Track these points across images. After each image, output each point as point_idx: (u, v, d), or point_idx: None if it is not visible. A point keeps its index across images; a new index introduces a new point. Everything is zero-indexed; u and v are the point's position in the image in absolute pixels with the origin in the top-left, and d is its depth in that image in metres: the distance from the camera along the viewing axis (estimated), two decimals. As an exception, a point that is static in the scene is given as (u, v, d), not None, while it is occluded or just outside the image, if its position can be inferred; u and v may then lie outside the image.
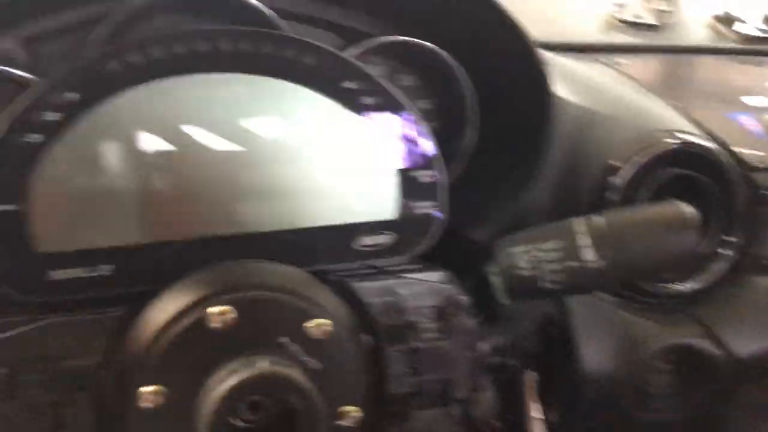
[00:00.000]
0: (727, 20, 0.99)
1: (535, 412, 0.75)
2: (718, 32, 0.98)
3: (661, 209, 0.59)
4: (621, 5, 0.98)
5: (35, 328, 0.51)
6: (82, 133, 0.54)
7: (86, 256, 0.55)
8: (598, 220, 0.58)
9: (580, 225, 0.58)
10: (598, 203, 0.71)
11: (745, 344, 0.72)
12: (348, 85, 0.61)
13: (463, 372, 0.59)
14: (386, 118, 0.62)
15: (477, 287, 0.71)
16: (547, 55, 0.87)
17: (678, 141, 0.73)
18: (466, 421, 0.63)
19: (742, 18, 0.99)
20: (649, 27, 0.96)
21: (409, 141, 0.63)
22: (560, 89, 0.78)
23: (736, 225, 0.73)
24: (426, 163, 0.63)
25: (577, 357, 0.72)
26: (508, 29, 0.69)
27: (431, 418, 0.59)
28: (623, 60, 0.89)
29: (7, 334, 0.50)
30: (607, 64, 0.88)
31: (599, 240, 0.57)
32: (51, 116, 0.54)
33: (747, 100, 0.85)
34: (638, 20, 0.96)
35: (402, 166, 0.63)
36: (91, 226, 0.55)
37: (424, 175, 0.63)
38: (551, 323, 0.74)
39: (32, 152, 0.53)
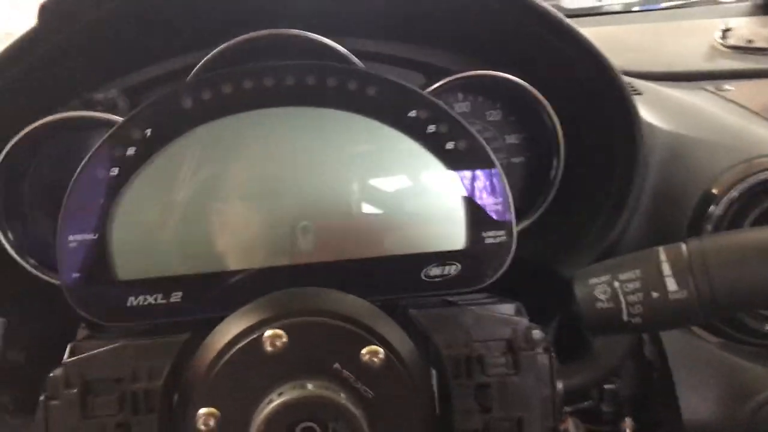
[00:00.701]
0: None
1: (634, 464, 0.69)
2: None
3: (753, 235, 0.53)
4: (728, 30, 0.93)
5: (106, 351, 0.53)
6: (156, 166, 0.58)
7: (159, 284, 0.57)
8: (681, 246, 0.53)
9: (661, 253, 0.54)
10: (694, 234, 0.66)
11: None
12: (414, 114, 0.61)
13: (537, 410, 0.56)
14: (455, 148, 0.61)
15: (563, 325, 0.68)
16: (646, 85, 0.84)
17: (787, 166, 0.66)
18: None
19: None
20: (759, 51, 0.90)
21: (478, 171, 0.61)
22: (656, 117, 0.75)
23: None
24: (495, 193, 0.61)
25: (676, 405, 0.66)
26: (594, 61, 0.67)
27: None
28: (729, 86, 0.83)
29: (82, 356, 0.53)
30: (712, 91, 0.83)
31: (680, 268, 0.52)
32: (127, 151, 0.57)
33: None
34: (746, 45, 0.90)
35: (471, 197, 0.61)
36: (164, 255, 0.58)
37: (494, 206, 0.61)
38: (650, 366, 0.68)
39: (110, 185, 0.57)
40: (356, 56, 0.73)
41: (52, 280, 0.69)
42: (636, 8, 1.24)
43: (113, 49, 0.68)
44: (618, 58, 0.86)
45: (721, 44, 0.93)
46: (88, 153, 0.68)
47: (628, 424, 0.70)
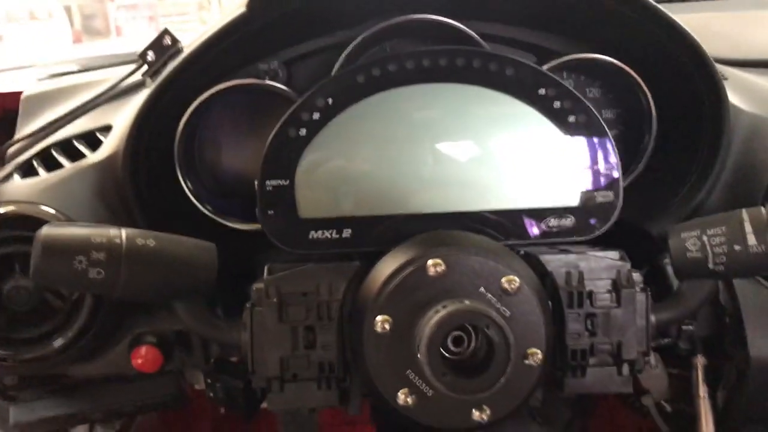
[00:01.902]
0: None
1: (703, 393, 0.82)
2: None
3: None
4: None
5: (297, 271, 0.68)
6: (335, 129, 0.72)
7: (334, 223, 0.72)
8: (762, 209, 0.66)
9: (744, 213, 0.66)
10: None
11: None
12: (543, 92, 0.73)
13: (633, 337, 0.69)
14: (574, 119, 0.73)
15: (653, 273, 0.80)
16: (731, 70, 0.94)
17: None
18: (635, 383, 0.72)
19: None
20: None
21: (593, 139, 0.73)
22: (740, 100, 0.85)
23: None
24: (606, 158, 0.73)
25: (746, 343, 0.78)
26: (688, 48, 0.78)
27: (604, 375, 0.70)
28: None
29: (278, 275, 0.68)
30: (788, 79, 0.93)
31: (760, 227, 0.65)
32: (313, 116, 0.71)
33: None
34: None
35: (586, 161, 0.74)
36: (338, 200, 0.72)
37: (605, 169, 0.73)
38: (722, 311, 0.81)
39: (298, 142, 0.71)
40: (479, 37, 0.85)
41: (226, 223, 0.84)
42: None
43: (277, 28, 0.81)
44: (707, 45, 0.97)
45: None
46: (256, 117, 0.83)
47: (700, 360, 0.83)
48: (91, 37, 8.45)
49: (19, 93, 0.97)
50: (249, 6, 0.72)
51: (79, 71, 1.03)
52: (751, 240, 0.65)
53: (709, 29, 1.03)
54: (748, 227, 0.66)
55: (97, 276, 0.62)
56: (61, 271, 0.62)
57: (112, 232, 0.64)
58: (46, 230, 0.63)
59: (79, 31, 8.40)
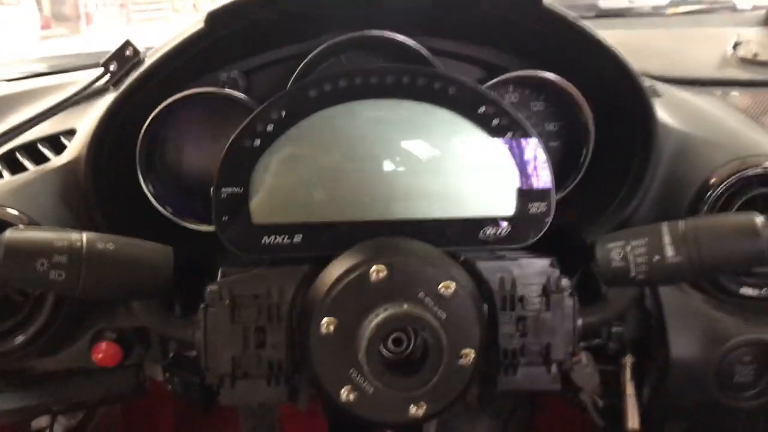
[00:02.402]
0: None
1: (630, 390, 0.88)
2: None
3: (735, 217, 0.72)
4: (738, 43, 1.09)
5: (249, 275, 0.73)
6: (287, 139, 0.76)
7: (286, 228, 0.76)
8: (680, 223, 0.72)
9: (664, 227, 0.72)
10: (692, 214, 0.83)
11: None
12: (483, 110, 0.78)
13: (561, 339, 0.75)
14: (511, 135, 0.78)
15: (584, 277, 0.86)
16: (666, 87, 1.01)
17: (768, 165, 0.84)
18: (563, 381, 0.77)
19: None
20: (762, 63, 1.06)
21: (528, 154, 0.79)
22: (671, 117, 0.92)
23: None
24: (540, 172, 0.79)
25: (667, 344, 0.84)
26: (620, 68, 0.84)
27: (534, 374, 0.75)
28: (735, 93, 1.00)
29: (230, 278, 0.73)
30: (719, 96, 1.00)
31: (678, 239, 0.70)
32: (267, 127, 0.76)
33: None
34: (752, 57, 1.06)
35: (521, 174, 0.79)
36: (290, 207, 0.77)
37: (539, 182, 0.78)
38: (648, 314, 0.87)
39: (253, 152, 0.76)
40: (429, 52, 0.90)
41: (184, 224, 0.88)
42: (663, 11, 1.39)
43: (237, 39, 0.85)
44: (645, 63, 1.03)
45: (732, 55, 1.09)
46: (216, 123, 0.88)
47: (628, 359, 0.89)
48: (60, 23, 8.33)
49: None
50: (207, 23, 0.76)
51: (42, 74, 1.06)
52: (669, 251, 0.71)
53: (648, 47, 1.09)
54: (666, 239, 0.71)
55: (58, 278, 0.66)
56: (24, 273, 0.66)
57: (74, 236, 0.68)
58: (9, 234, 0.67)
59: (48, 17, 8.27)
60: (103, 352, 0.83)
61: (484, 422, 1.24)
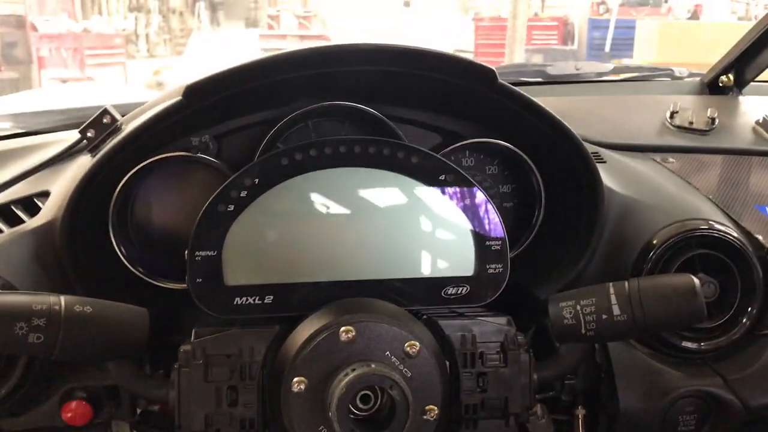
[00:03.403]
0: (767, 125, 1.16)
1: (583, 440, 0.93)
2: (760, 136, 1.16)
3: (675, 279, 0.78)
4: (675, 112, 1.18)
5: (221, 336, 0.76)
6: (260, 205, 0.80)
7: (258, 290, 0.80)
8: (625, 283, 0.77)
9: (611, 287, 0.78)
10: (637, 274, 0.90)
11: (756, 395, 0.89)
12: (443, 177, 0.84)
13: (518, 392, 0.79)
14: (469, 202, 0.84)
15: (538, 332, 0.91)
16: (610, 154, 1.08)
17: (706, 227, 0.91)
18: (519, 431, 0.82)
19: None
20: (698, 131, 1.15)
21: (485, 219, 0.84)
22: (615, 182, 0.99)
23: (753, 297, 0.90)
24: (496, 236, 0.84)
25: (616, 396, 0.90)
26: (567, 139, 0.91)
27: (493, 427, 0.79)
28: (672, 158, 1.08)
29: (204, 338, 0.76)
30: (658, 162, 1.08)
31: (623, 299, 0.76)
32: (240, 193, 0.80)
33: (780, 196, 1.02)
34: (687, 125, 1.15)
35: (479, 238, 0.84)
36: (261, 269, 0.80)
37: (495, 245, 0.84)
38: (598, 368, 0.92)
39: (226, 217, 0.79)
40: (390, 119, 0.96)
41: (157, 283, 0.91)
42: (606, 78, 1.49)
43: (209, 108, 0.89)
44: (590, 129, 1.11)
45: (670, 123, 1.18)
46: (187, 185, 0.91)
47: (580, 411, 0.94)
48: (12, 66, 8.26)
49: None
50: (186, 96, 0.80)
51: (13, 136, 1.08)
52: (616, 310, 0.77)
53: (594, 114, 1.17)
54: (613, 299, 0.77)
55: (36, 341, 0.68)
56: (2, 336, 0.68)
57: (52, 299, 0.70)
58: None
59: (-1, 60, 8.21)
60: (73, 411, 0.84)
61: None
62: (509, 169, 1.03)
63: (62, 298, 0.70)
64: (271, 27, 13.64)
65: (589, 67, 1.50)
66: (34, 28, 9.25)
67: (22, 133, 1.10)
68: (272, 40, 10.96)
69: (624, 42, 9.45)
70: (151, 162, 0.90)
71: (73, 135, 0.95)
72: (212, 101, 0.84)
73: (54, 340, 0.69)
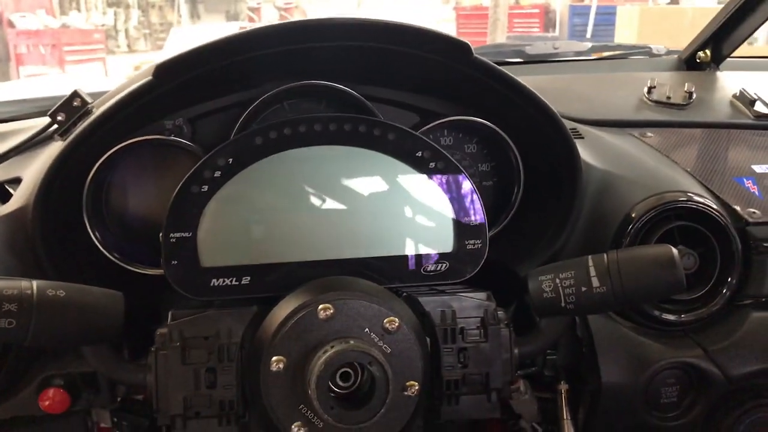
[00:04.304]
0: (743, 99, 1.16)
1: (566, 415, 0.93)
2: (737, 109, 1.16)
3: (654, 249, 0.78)
4: (653, 87, 1.18)
5: (198, 317, 0.75)
6: (234, 185, 0.79)
7: (234, 271, 0.79)
8: (604, 256, 0.77)
9: (590, 260, 0.78)
10: (616, 247, 0.90)
11: (736, 365, 0.89)
12: (420, 154, 0.83)
13: (499, 368, 0.79)
14: (447, 177, 0.83)
15: (519, 309, 0.91)
16: (588, 129, 1.08)
17: (684, 199, 0.91)
18: (503, 409, 0.82)
19: (759, 96, 1.16)
20: (676, 106, 1.15)
21: (464, 195, 0.84)
22: (593, 157, 0.99)
23: (732, 268, 0.91)
24: (475, 211, 0.84)
25: (598, 370, 0.90)
26: (546, 115, 0.90)
27: (475, 402, 0.79)
28: (650, 133, 1.08)
29: (180, 320, 0.75)
30: (636, 137, 1.08)
31: (602, 271, 0.76)
32: (214, 173, 0.79)
33: (756, 167, 1.02)
34: (665, 100, 1.15)
35: (458, 214, 0.84)
36: (237, 250, 0.80)
37: (473, 221, 0.83)
38: (579, 342, 0.92)
39: (201, 197, 0.78)
40: (368, 99, 0.95)
41: (131, 269, 0.90)
42: (585, 56, 1.49)
43: (182, 89, 0.88)
44: (568, 106, 1.11)
45: (647, 98, 1.18)
46: (161, 169, 0.90)
47: (563, 386, 0.94)
48: (-11, 64, 8.17)
49: None
50: (156, 75, 0.79)
51: (-13, 123, 1.06)
52: (595, 282, 0.76)
53: (572, 91, 1.17)
54: (592, 271, 0.77)
55: (8, 326, 0.67)
56: None
57: (24, 284, 0.69)
58: None
59: (-24, 58, 8.10)
60: (51, 398, 0.83)
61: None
62: (488, 147, 1.03)
63: (34, 283, 0.69)
64: (251, 20, 13.55)
65: (568, 47, 1.50)
66: (11, 25, 9.15)
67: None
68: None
69: (605, 28, 9.46)
70: (125, 146, 0.89)
71: (44, 121, 0.94)
72: (184, 80, 0.83)
73: (26, 325, 0.68)
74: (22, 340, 0.68)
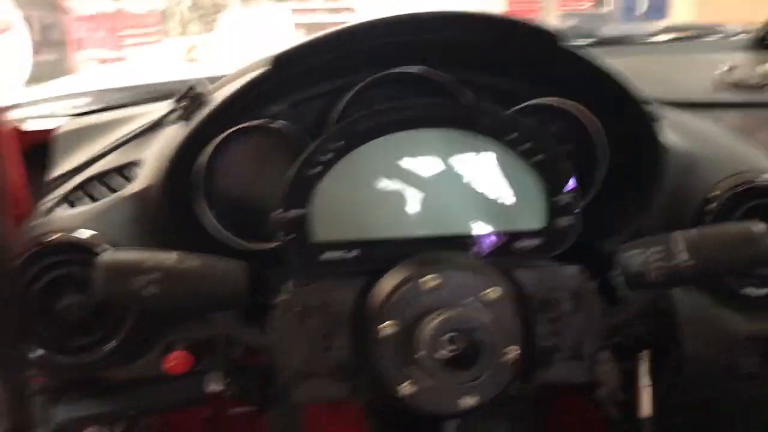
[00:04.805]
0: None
1: (646, 381, 0.98)
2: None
3: (737, 226, 0.82)
4: (729, 68, 1.21)
5: (316, 286, 0.82)
6: (344, 166, 0.86)
7: (344, 245, 0.86)
8: (693, 231, 0.82)
9: (678, 235, 0.82)
10: (698, 224, 0.94)
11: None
12: (514, 134, 0.88)
13: (590, 337, 0.84)
14: (540, 156, 0.88)
15: (603, 284, 0.96)
16: (665, 110, 1.11)
17: (764, 180, 0.95)
18: (592, 374, 0.87)
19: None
20: (754, 87, 1.17)
21: (555, 172, 0.89)
22: (672, 137, 1.02)
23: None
24: (567, 188, 0.89)
25: (681, 342, 0.95)
26: (628, 95, 0.94)
27: (568, 368, 0.85)
28: (728, 114, 1.11)
29: (300, 289, 0.82)
30: (714, 118, 1.11)
31: (691, 245, 0.81)
32: (326, 156, 0.85)
33: (835, 148, 1.04)
34: (743, 81, 1.18)
35: (551, 193, 0.89)
36: (346, 225, 0.86)
37: (566, 198, 0.89)
38: (663, 314, 0.97)
39: (314, 178, 0.85)
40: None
41: (247, 245, 0.97)
42: (656, 38, 1.51)
43: (292, 76, 0.95)
44: (647, 88, 1.13)
45: (723, 79, 1.20)
46: (264, 152, 0.97)
47: (646, 354, 0.99)
48: (49, 49, 8.40)
49: (46, 131, 1.09)
50: (275, 65, 0.86)
51: (104, 109, 1.15)
52: (683, 257, 0.81)
53: (647, 73, 1.20)
54: (680, 246, 0.82)
55: (155, 292, 0.75)
56: (122, 290, 0.75)
57: (162, 255, 0.77)
58: (107, 256, 0.77)
59: (38, 43, 8.34)
60: (175, 360, 0.92)
61: (500, 424, 1.33)
62: (571, 127, 1.07)
63: (174, 254, 0.77)
64: (301, 0, 13.60)
65: (642, 28, 1.52)
66: (69, 10, 9.38)
67: (105, 107, 1.17)
68: (304, 14, 10.95)
69: (659, 3, 9.24)
70: (236, 129, 0.96)
71: (158, 107, 1.02)
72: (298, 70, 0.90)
73: (168, 292, 0.76)
74: (163, 307, 0.77)
